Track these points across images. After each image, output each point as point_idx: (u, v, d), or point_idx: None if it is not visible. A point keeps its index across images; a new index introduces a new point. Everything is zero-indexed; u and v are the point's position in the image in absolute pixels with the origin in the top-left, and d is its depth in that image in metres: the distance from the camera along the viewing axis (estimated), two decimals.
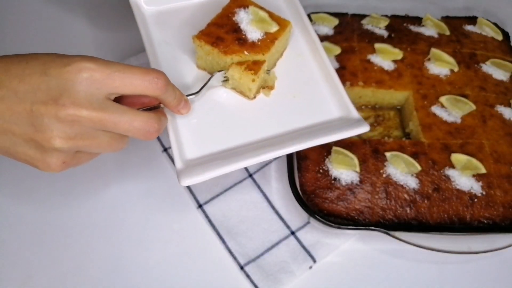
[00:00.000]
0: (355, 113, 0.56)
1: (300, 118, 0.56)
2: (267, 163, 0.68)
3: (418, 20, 0.78)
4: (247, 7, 0.59)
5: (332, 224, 0.56)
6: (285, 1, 0.66)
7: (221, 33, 0.57)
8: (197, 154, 0.53)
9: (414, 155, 0.62)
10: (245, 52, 0.56)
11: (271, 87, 0.59)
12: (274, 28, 0.58)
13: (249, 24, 0.57)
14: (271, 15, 0.59)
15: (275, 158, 0.69)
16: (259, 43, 0.57)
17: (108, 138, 0.44)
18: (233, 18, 0.58)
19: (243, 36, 0.57)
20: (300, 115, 0.57)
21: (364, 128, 0.54)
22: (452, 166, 0.61)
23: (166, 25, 0.63)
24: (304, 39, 0.63)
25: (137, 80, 0.43)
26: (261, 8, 0.60)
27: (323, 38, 0.73)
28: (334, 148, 0.62)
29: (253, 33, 0.57)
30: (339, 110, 0.57)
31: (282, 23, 0.59)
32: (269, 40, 0.57)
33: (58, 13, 0.84)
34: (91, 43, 0.81)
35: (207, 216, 0.64)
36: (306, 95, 0.59)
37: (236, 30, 0.57)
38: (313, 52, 0.62)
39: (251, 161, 0.50)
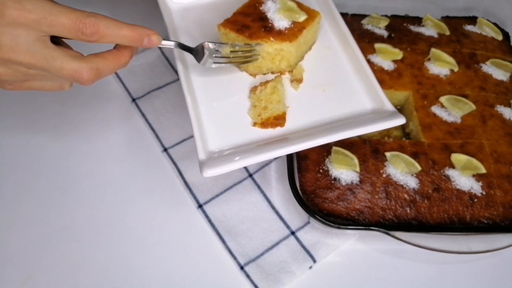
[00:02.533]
0: (389, 105, 0.55)
1: (330, 111, 0.56)
2: (267, 163, 0.68)
3: (418, 20, 0.78)
4: None
5: (332, 224, 0.56)
6: None
7: (247, 21, 0.56)
8: (220, 145, 0.53)
9: (414, 155, 0.62)
10: (271, 39, 0.55)
11: (299, 80, 0.58)
12: (302, 17, 0.57)
13: (276, 13, 0.56)
14: (300, 5, 0.58)
15: (275, 158, 0.69)
16: (286, 31, 0.56)
17: (46, 79, 0.46)
18: (260, 8, 0.57)
19: (270, 24, 0.56)
20: (330, 107, 0.56)
21: (400, 120, 0.53)
22: (452, 166, 0.61)
23: (192, 20, 0.63)
24: (333, 32, 0.63)
25: (65, 25, 0.42)
26: None
27: None
28: (334, 148, 0.62)
29: (280, 22, 0.56)
30: (371, 103, 0.57)
31: (311, 13, 0.58)
32: (296, 29, 0.56)
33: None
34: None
35: (207, 216, 0.64)
36: (337, 87, 0.58)
37: (263, 18, 0.56)
38: (343, 45, 0.61)
39: (280, 152, 0.50)
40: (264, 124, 0.55)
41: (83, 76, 0.44)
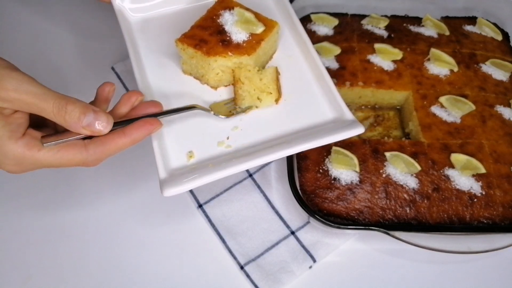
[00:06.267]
0: (349, 114, 0.54)
1: (291, 122, 0.55)
2: (267, 164, 0.68)
3: (418, 20, 0.78)
4: (233, 8, 0.57)
5: (332, 224, 0.56)
6: (274, 2, 0.65)
7: (204, 35, 0.55)
8: (182, 162, 0.51)
9: (414, 155, 0.62)
10: (229, 53, 0.54)
11: None
12: (260, 29, 0.56)
13: (234, 25, 0.56)
14: (258, 16, 0.58)
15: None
16: (244, 44, 0.55)
17: None
18: (218, 20, 0.57)
19: (228, 38, 0.55)
20: (290, 119, 0.55)
21: (358, 130, 0.52)
22: (451, 166, 0.62)
23: (151, 32, 0.62)
24: (294, 40, 0.62)
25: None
26: (247, 9, 0.58)
27: (323, 38, 0.73)
28: (334, 148, 0.62)
29: (238, 34, 0.55)
30: (332, 112, 0.56)
31: (269, 24, 0.57)
32: (254, 41, 0.55)
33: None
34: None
35: (207, 216, 0.64)
36: (297, 97, 0.57)
37: (220, 32, 0.56)
38: (304, 53, 0.60)
39: (238, 168, 0.49)
40: (280, 92, 0.56)
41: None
